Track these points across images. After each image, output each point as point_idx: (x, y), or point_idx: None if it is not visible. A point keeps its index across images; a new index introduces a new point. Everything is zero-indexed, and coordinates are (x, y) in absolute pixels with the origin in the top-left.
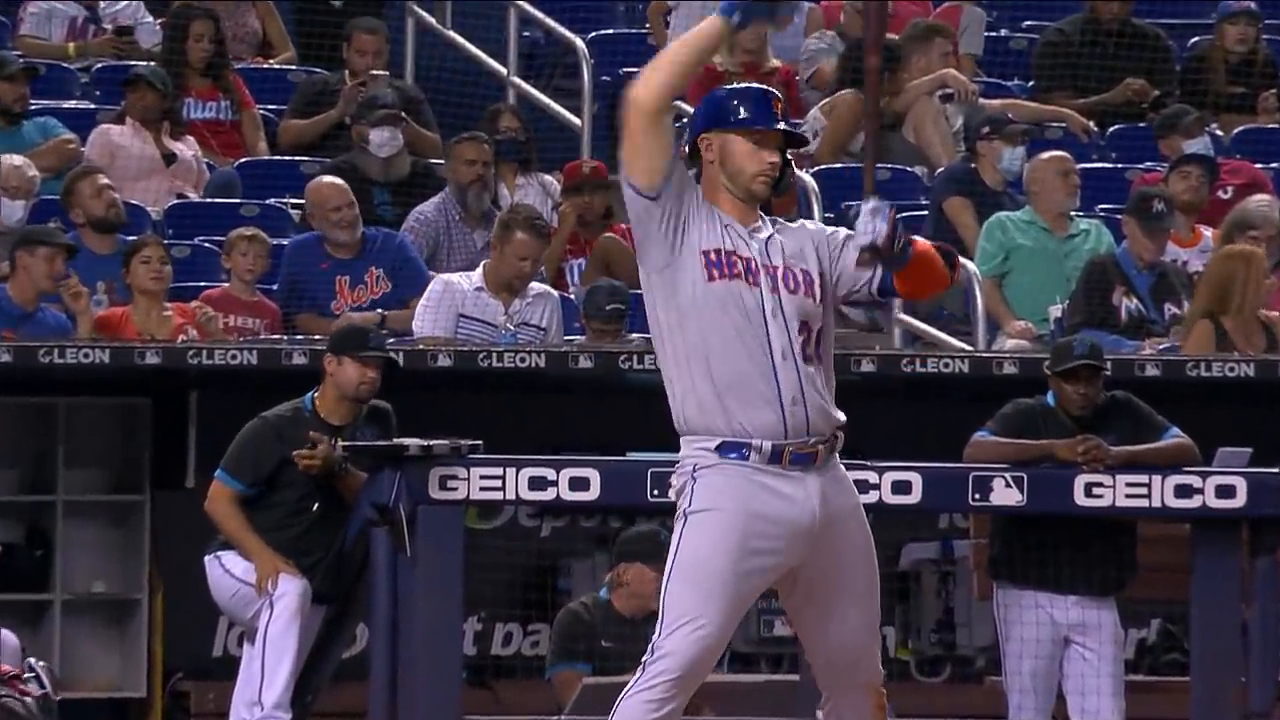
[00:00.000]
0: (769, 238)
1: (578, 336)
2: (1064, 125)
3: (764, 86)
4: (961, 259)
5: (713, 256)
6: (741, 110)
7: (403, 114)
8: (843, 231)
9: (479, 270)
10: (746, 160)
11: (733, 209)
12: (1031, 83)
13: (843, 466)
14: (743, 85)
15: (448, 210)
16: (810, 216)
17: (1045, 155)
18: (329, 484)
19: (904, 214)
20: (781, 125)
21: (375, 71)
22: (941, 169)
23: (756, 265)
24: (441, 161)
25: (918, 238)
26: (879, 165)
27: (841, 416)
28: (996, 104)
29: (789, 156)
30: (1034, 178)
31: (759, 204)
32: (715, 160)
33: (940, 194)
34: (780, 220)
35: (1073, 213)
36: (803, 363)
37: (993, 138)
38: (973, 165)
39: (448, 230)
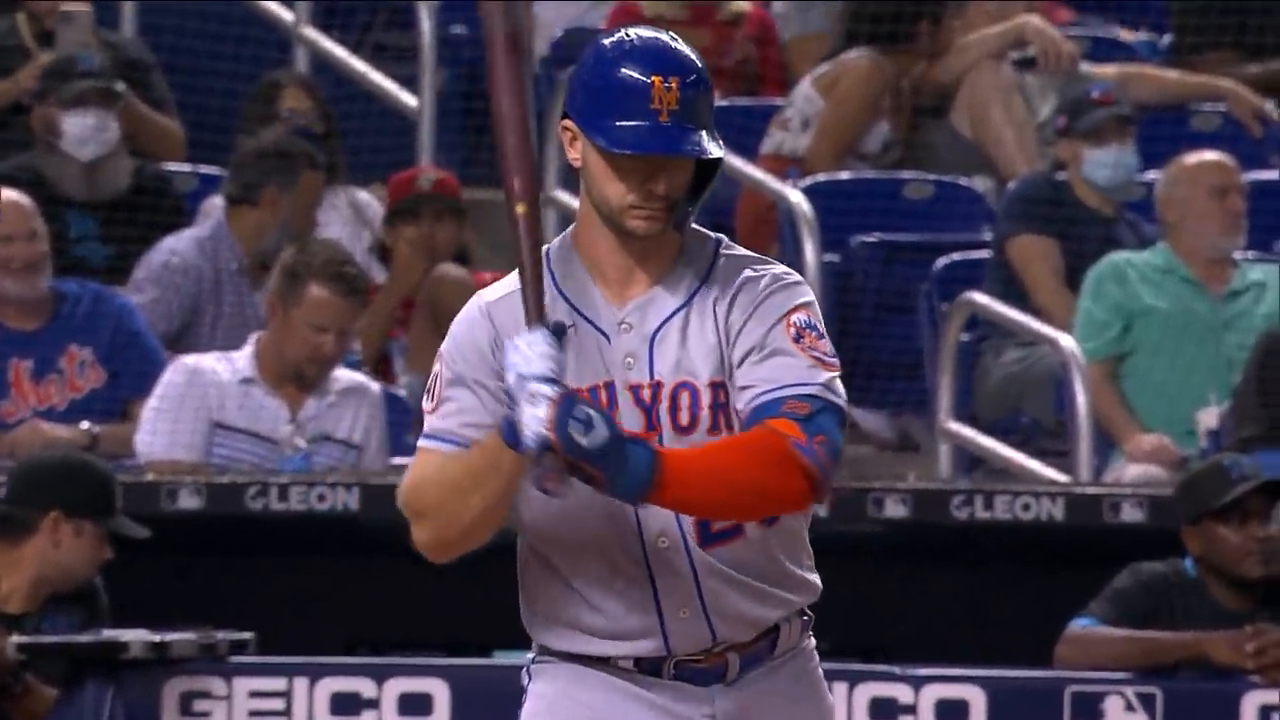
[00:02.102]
0: (663, 325)
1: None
2: (1222, 108)
3: (663, 56)
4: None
5: None
6: (605, 111)
7: (119, 88)
8: (765, 295)
9: (247, 350)
10: (610, 186)
11: (608, 252)
12: (1169, 38)
13: (812, 667)
14: (630, 49)
15: (219, 253)
16: (797, 252)
17: (1191, 160)
18: None
19: (961, 256)
20: (682, 148)
21: (70, 6)
22: (1014, 183)
23: (614, 393)
24: (186, 168)
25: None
26: (911, 177)
27: (796, 598)
28: (1109, 72)
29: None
30: (1172, 198)
31: (653, 237)
32: (578, 164)
33: (1003, 229)
34: (725, 253)
35: (1237, 255)
36: (701, 547)
37: (1070, 132)
38: (1061, 177)
39: (216, 289)
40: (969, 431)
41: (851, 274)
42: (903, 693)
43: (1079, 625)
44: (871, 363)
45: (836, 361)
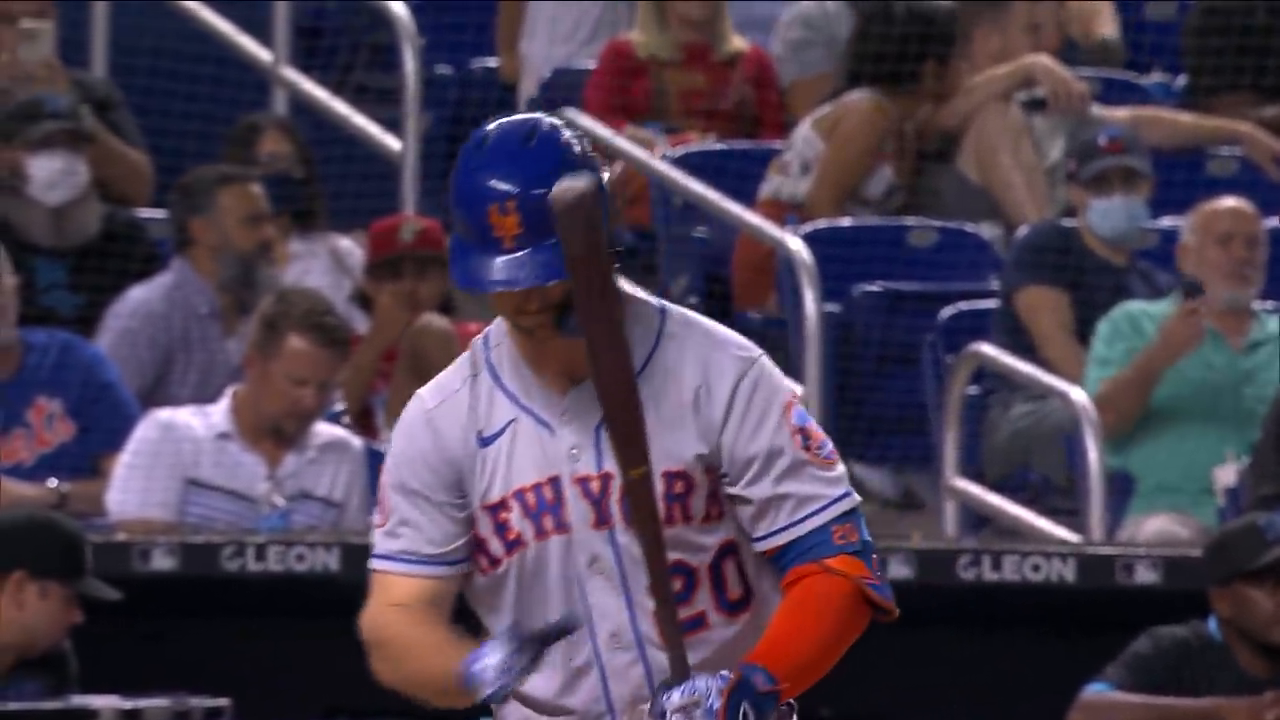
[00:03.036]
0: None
1: None
2: (1239, 152)
3: (494, 184)
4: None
5: (500, 511)
6: (456, 250)
7: (86, 129)
8: (744, 398)
9: (223, 404)
10: (496, 306)
11: (535, 349)
12: (1184, 79)
13: None
14: (465, 179)
15: (188, 299)
16: (797, 302)
17: (1205, 207)
18: None
19: (968, 306)
20: (508, 283)
21: (30, 24)
22: (1022, 232)
23: (560, 488)
24: (160, 213)
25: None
26: (915, 223)
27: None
28: (1122, 115)
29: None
30: (1187, 247)
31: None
32: None
33: (1011, 279)
34: (671, 330)
35: (1255, 305)
36: (658, 647)
37: (1076, 179)
38: (1070, 224)
39: (185, 336)
40: (976, 489)
41: (853, 324)
42: None
43: (1093, 691)
44: (874, 417)
45: (833, 448)
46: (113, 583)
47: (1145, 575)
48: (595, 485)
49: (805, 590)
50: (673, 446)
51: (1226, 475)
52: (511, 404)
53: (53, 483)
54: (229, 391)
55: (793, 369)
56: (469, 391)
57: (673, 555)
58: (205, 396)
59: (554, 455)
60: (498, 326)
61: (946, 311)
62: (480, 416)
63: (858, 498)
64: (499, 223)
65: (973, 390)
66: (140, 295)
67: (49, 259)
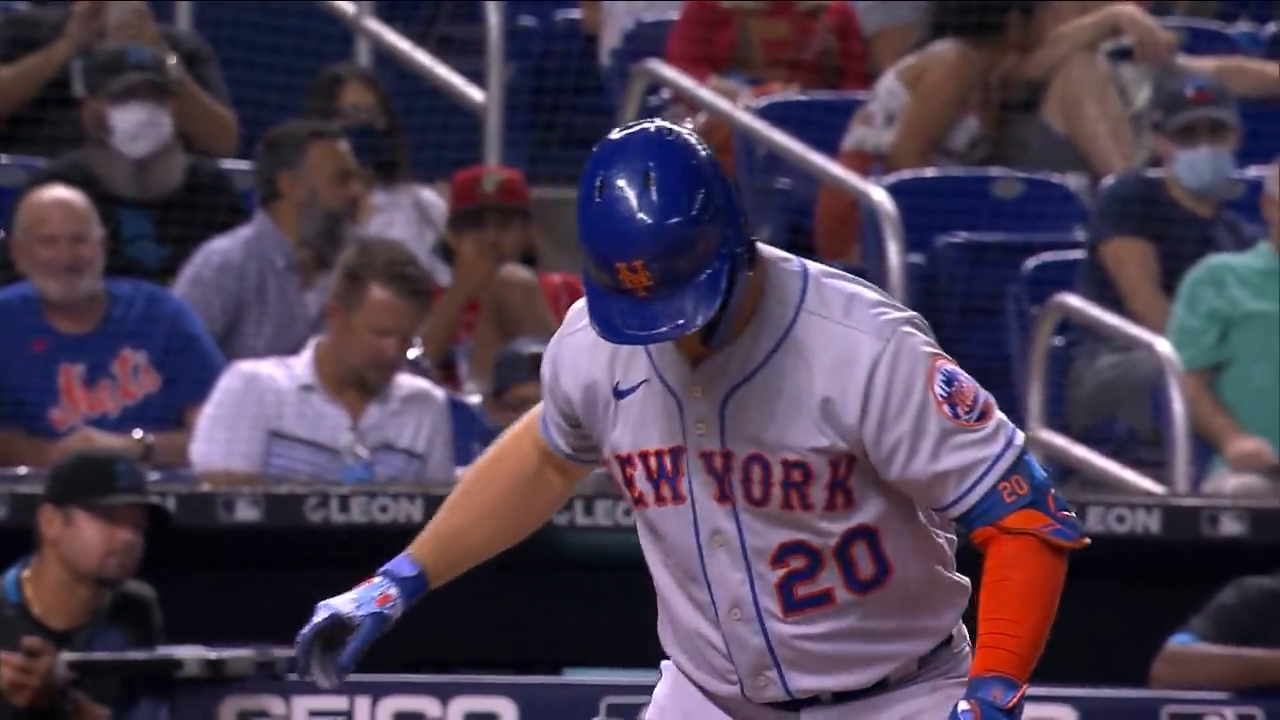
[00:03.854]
0: (734, 391)
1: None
2: None
3: (620, 236)
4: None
5: (626, 465)
6: (592, 297)
7: (169, 81)
8: (883, 382)
9: (306, 356)
10: None
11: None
12: (1272, 27)
13: (941, 687)
14: (586, 242)
15: (265, 252)
16: (880, 253)
17: None
18: None
19: (1053, 257)
20: (647, 336)
21: None
22: (1108, 183)
23: (684, 460)
24: (244, 165)
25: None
26: (1000, 174)
27: (906, 648)
28: (1208, 65)
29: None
30: (1272, 199)
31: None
32: None
33: (1097, 230)
34: (807, 311)
35: None
36: (779, 619)
37: (1161, 130)
38: (1156, 175)
39: (261, 288)
40: (1061, 440)
41: (937, 276)
42: None
43: (1178, 642)
44: None
45: (987, 396)
46: (197, 534)
47: (1231, 527)
48: (718, 461)
49: (994, 564)
50: (793, 434)
51: None
52: (648, 363)
53: (138, 434)
54: (311, 343)
55: None
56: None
57: (795, 535)
58: (282, 349)
59: (680, 426)
60: None
61: (1031, 262)
62: (619, 367)
63: (1019, 442)
64: (629, 279)
65: (1057, 341)
66: (218, 246)
67: (133, 210)
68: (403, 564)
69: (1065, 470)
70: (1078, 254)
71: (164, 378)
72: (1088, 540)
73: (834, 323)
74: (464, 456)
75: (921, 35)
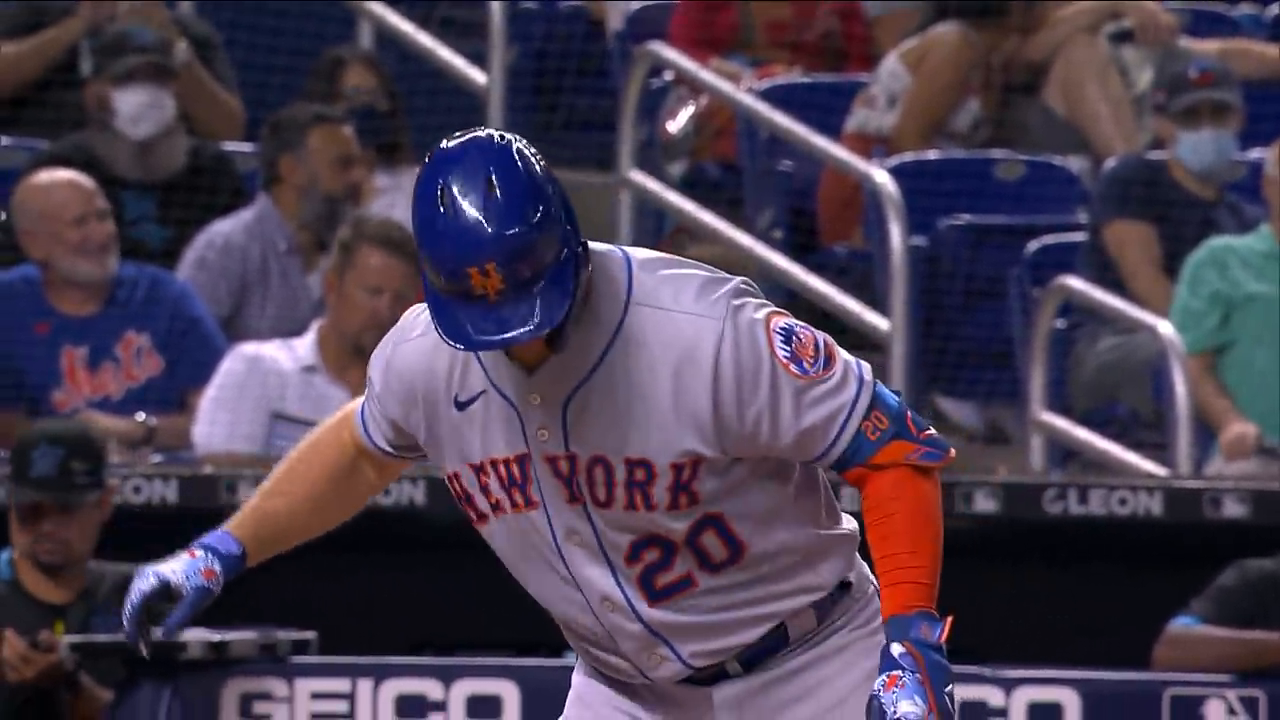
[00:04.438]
0: (572, 395)
1: None
2: None
3: (470, 241)
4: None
5: (480, 474)
6: (437, 304)
7: (173, 64)
8: (729, 364)
9: (309, 337)
10: None
11: None
12: (1275, 9)
13: (849, 640)
14: (430, 247)
15: (267, 234)
16: (883, 238)
17: None
18: (46, 708)
19: (1055, 239)
20: (503, 336)
21: None
22: (1110, 165)
23: (530, 466)
24: (247, 147)
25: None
26: (1002, 156)
27: (790, 604)
28: (1211, 47)
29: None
30: (1271, 180)
31: None
32: None
33: (1098, 212)
34: (637, 304)
35: None
36: (648, 606)
37: (1164, 111)
38: (1158, 158)
39: (263, 270)
40: (1062, 422)
41: (939, 258)
42: (993, 695)
43: (1179, 624)
44: (960, 351)
45: (826, 339)
46: (199, 516)
47: (1233, 509)
48: (563, 465)
49: (873, 502)
50: (634, 436)
51: None
52: (483, 375)
53: (140, 416)
54: (314, 325)
55: (879, 303)
56: (438, 344)
57: (645, 530)
58: (285, 330)
59: (522, 433)
60: None
61: (1033, 245)
62: (457, 380)
63: (869, 377)
64: (480, 284)
65: (1059, 324)
66: (219, 228)
67: (136, 192)
68: (226, 540)
69: (1067, 453)
70: (1080, 236)
71: (167, 360)
72: (953, 453)
73: (665, 311)
74: None
75: (923, 17)
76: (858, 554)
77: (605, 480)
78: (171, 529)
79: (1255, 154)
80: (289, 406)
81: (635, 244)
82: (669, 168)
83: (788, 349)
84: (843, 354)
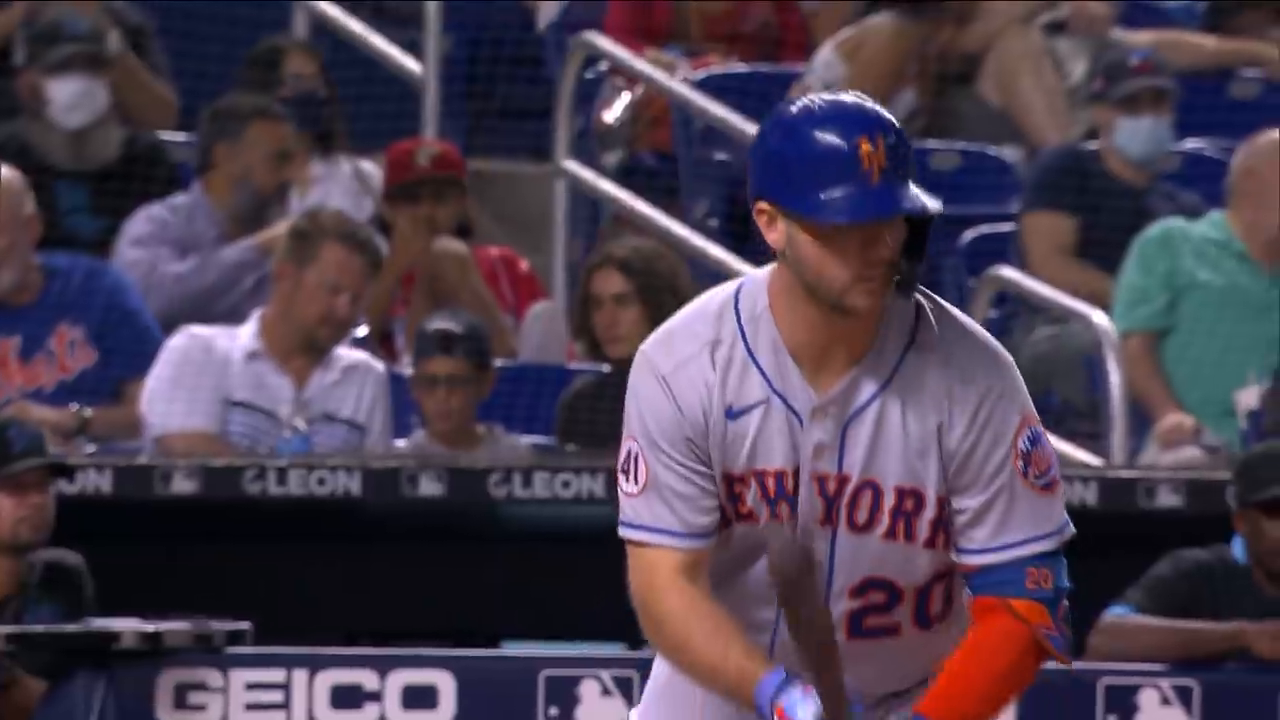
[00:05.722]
0: (855, 415)
1: (415, 438)
2: (1261, 75)
3: (862, 114)
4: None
5: (738, 484)
6: (815, 183)
7: (106, 52)
8: (999, 414)
9: (250, 326)
10: (830, 267)
11: (808, 330)
12: (1205, 2)
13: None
14: (826, 114)
15: (194, 220)
16: None
17: (1270, 137)
18: None
19: (990, 229)
20: (892, 207)
21: None
22: (1038, 156)
23: (798, 481)
24: (181, 136)
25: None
26: (937, 147)
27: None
28: (1144, 38)
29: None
30: (1244, 170)
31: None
32: (782, 246)
33: (1026, 203)
34: (923, 334)
35: None
36: (849, 639)
37: (1104, 99)
38: (1091, 147)
39: (190, 253)
40: None
41: None
42: None
43: (1114, 614)
44: None
45: (1057, 474)
46: (134, 506)
47: (1167, 499)
48: (831, 485)
49: (984, 633)
50: (909, 464)
51: (1248, 398)
52: (764, 384)
53: (74, 407)
54: (256, 313)
55: None
56: (710, 358)
57: (883, 572)
58: (219, 318)
59: (799, 447)
60: (751, 296)
61: (968, 235)
62: (730, 389)
63: (1068, 535)
64: (868, 155)
65: (994, 313)
66: (150, 211)
67: (70, 182)
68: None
69: None
70: (1013, 226)
71: (101, 351)
72: (1071, 662)
73: (945, 361)
74: (402, 429)
75: (858, 7)
76: None
77: (871, 505)
78: (106, 519)
79: (1189, 144)
80: (235, 392)
81: (570, 232)
82: (605, 157)
83: (1027, 450)
84: (1062, 501)
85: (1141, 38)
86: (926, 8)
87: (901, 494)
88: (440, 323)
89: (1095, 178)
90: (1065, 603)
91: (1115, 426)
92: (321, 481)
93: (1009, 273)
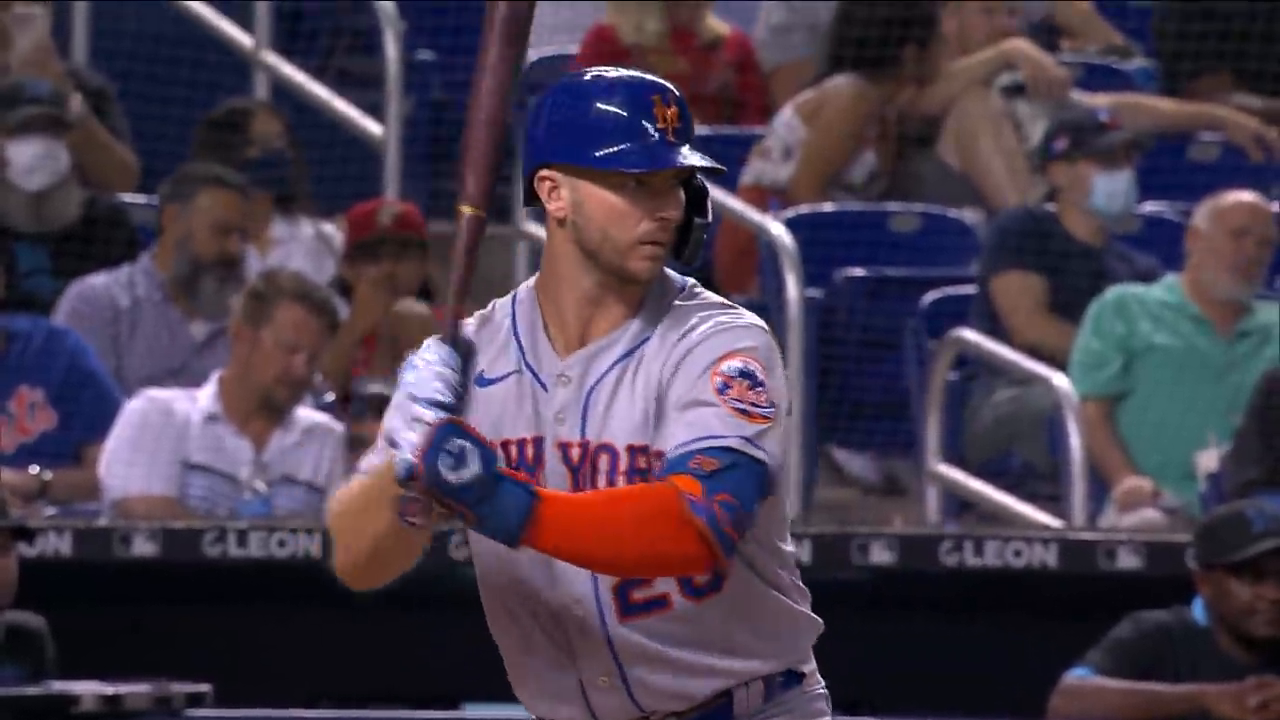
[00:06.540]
0: (599, 381)
1: None
2: (1219, 138)
3: (650, 80)
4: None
5: None
6: (610, 138)
7: (67, 115)
8: (704, 348)
9: (209, 388)
10: (618, 224)
11: (574, 300)
12: (1160, 63)
13: None
14: (615, 78)
15: (141, 284)
16: (779, 287)
17: (1225, 198)
18: None
19: (950, 291)
20: (686, 159)
21: (23, 9)
22: (997, 218)
23: (543, 450)
24: (141, 199)
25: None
26: (897, 209)
27: (751, 665)
28: (1102, 100)
29: (703, 193)
30: (1196, 232)
31: (635, 285)
32: (565, 214)
33: (987, 264)
34: (680, 303)
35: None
36: (617, 621)
37: (1076, 156)
38: (1048, 209)
39: (135, 319)
40: (958, 474)
41: (835, 309)
42: None
43: (1075, 676)
44: (856, 402)
45: (771, 412)
46: (94, 568)
47: (1128, 560)
48: (574, 452)
49: (629, 488)
50: (636, 422)
51: (1208, 460)
52: (519, 357)
53: (34, 470)
54: (214, 375)
55: None
56: (476, 330)
57: None
58: (165, 380)
59: (542, 416)
60: (527, 287)
61: (929, 297)
62: (487, 359)
63: (759, 455)
64: (661, 114)
65: (954, 376)
66: (92, 279)
67: (30, 243)
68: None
69: (962, 504)
70: (974, 288)
71: (61, 414)
72: (721, 558)
73: (698, 312)
74: None
75: (819, 70)
76: (813, 653)
77: (609, 469)
78: (66, 582)
79: (1148, 206)
80: (194, 455)
81: None
82: None
83: (730, 375)
84: (769, 433)
85: (1100, 100)
86: (886, 69)
87: (634, 452)
88: (373, 386)
89: (1055, 239)
90: (732, 506)
91: (1075, 488)
92: (282, 543)
93: (970, 334)
